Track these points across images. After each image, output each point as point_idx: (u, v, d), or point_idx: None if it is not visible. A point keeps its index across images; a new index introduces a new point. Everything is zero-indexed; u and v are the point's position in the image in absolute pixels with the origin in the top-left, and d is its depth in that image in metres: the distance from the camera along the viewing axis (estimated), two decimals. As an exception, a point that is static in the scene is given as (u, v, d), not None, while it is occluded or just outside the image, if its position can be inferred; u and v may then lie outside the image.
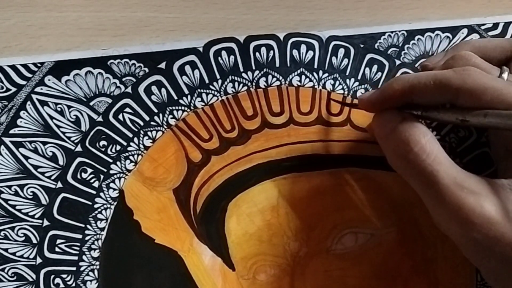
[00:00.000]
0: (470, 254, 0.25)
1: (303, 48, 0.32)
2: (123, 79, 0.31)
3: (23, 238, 0.30)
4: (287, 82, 0.32)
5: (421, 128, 0.26)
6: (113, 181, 0.31)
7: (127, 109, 0.31)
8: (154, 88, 0.31)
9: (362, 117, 0.32)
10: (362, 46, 0.32)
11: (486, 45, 0.30)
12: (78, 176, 0.30)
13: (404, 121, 0.26)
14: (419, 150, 0.25)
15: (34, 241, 0.30)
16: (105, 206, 0.30)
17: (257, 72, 0.32)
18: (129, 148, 0.31)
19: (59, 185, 0.30)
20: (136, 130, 0.31)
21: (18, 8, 0.31)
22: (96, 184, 0.30)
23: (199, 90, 0.31)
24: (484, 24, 0.33)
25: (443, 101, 0.26)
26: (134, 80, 0.31)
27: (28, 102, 0.30)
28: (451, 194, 0.24)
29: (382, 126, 0.27)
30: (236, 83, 0.31)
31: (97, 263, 0.30)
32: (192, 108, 0.31)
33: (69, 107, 0.30)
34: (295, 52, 0.32)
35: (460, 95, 0.25)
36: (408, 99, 0.26)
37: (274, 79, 0.32)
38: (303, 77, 0.32)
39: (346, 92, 0.32)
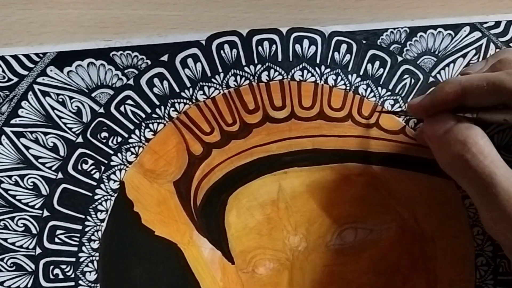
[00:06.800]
0: None
1: (306, 43, 0.32)
2: (125, 71, 0.31)
3: (23, 228, 0.30)
4: (289, 77, 0.32)
5: (478, 130, 0.25)
6: (114, 173, 0.31)
7: (129, 101, 0.31)
8: (156, 81, 0.31)
9: (363, 113, 0.32)
10: (364, 42, 0.32)
11: None
12: (79, 167, 0.30)
13: (459, 122, 0.26)
14: (476, 151, 0.25)
15: (34, 231, 0.30)
16: (105, 197, 0.30)
17: (259, 66, 0.32)
18: (130, 140, 0.31)
19: (60, 175, 0.30)
20: (138, 122, 0.31)
21: (19, 5, 0.31)
22: (96, 176, 0.30)
23: (201, 83, 0.31)
24: (486, 22, 0.33)
25: (496, 103, 0.25)
26: (136, 72, 0.31)
27: (30, 93, 0.30)
28: (509, 197, 0.24)
29: (436, 128, 0.27)
30: (238, 77, 0.31)
31: (97, 254, 0.30)
32: (193, 101, 0.31)
33: (70, 98, 0.30)
34: (297, 46, 0.32)
35: None
36: (460, 102, 0.26)
37: (276, 73, 0.32)
38: (305, 71, 0.32)
39: (348, 88, 0.32)
